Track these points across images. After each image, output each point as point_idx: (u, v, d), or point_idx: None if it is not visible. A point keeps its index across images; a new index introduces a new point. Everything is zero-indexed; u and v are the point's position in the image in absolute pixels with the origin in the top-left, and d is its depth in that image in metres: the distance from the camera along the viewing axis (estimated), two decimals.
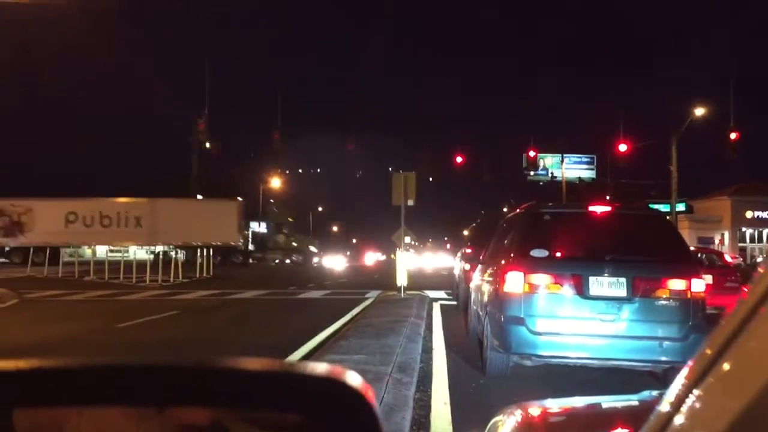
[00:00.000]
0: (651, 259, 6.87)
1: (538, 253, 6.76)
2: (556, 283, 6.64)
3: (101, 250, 32.87)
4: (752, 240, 50.65)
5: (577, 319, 6.59)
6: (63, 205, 32.17)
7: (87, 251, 33.98)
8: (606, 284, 6.57)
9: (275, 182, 54.21)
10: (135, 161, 50.54)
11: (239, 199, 34.37)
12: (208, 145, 35.91)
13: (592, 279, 6.58)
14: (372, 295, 18.62)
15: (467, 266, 13.59)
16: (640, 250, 7.00)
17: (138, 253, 33.31)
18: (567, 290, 6.63)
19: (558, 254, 6.86)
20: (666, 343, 6.44)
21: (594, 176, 65.96)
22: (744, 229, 50.27)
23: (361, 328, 10.73)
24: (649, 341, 6.48)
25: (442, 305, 15.76)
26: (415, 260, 43.17)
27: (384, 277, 26.81)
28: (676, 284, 6.53)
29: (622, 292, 6.54)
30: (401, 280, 17.55)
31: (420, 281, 24.63)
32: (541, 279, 6.65)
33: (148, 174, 47.38)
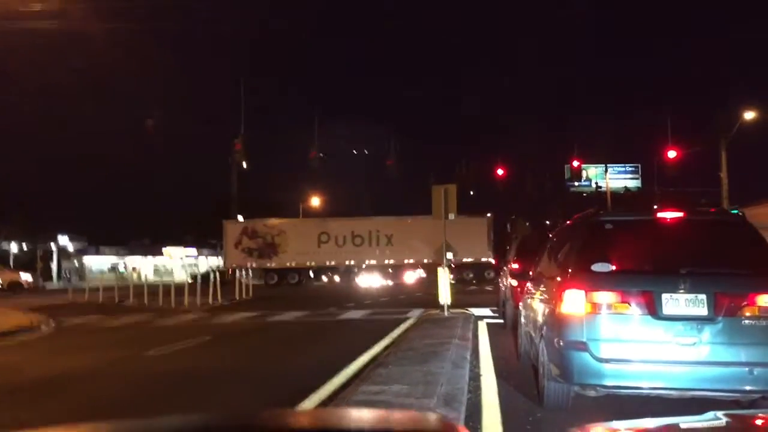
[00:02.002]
0: (735, 272, 5.90)
1: (601, 267, 5.89)
2: (623, 301, 5.76)
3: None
4: None
5: (649, 343, 5.69)
6: (315, 226, 32.52)
7: (134, 275, 33.97)
8: (682, 302, 5.68)
9: (314, 201, 54.05)
10: (170, 184, 50.87)
11: (489, 215, 33.75)
12: (245, 164, 35.73)
13: (665, 296, 5.69)
14: (414, 314, 17.82)
15: (515, 282, 12.72)
16: (721, 262, 6.05)
17: (178, 274, 33.19)
18: (636, 310, 5.75)
19: (624, 268, 5.98)
20: (757, 370, 5.50)
21: (640, 185, 64.32)
22: None
23: (402, 352, 9.95)
24: (736, 368, 5.55)
25: (488, 324, 14.87)
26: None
27: (426, 294, 25.97)
28: None
29: (703, 310, 5.63)
30: (444, 298, 16.70)
31: (463, 298, 23.72)
32: (606, 297, 5.78)
33: (187, 196, 47.59)
